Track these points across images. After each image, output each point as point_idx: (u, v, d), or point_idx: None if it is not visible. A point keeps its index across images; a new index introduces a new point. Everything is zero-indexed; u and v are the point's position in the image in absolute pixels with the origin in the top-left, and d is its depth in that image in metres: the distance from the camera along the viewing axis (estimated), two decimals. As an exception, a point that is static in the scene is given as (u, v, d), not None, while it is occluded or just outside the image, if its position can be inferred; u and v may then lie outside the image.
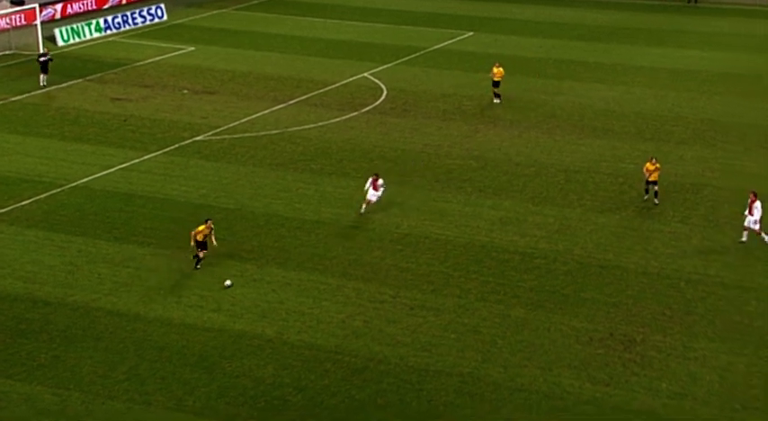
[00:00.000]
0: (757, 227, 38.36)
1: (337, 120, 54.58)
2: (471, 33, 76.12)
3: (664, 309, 33.99)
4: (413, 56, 68.85)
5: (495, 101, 57.37)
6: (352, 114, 55.59)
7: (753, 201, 38.22)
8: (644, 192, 43.30)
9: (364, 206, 40.95)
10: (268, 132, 52.32)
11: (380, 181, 40.90)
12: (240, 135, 51.86)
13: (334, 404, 28.50)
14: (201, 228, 36.10)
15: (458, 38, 74.60)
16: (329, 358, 30.82)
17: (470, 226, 40.71)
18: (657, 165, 42.46)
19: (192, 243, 36.06)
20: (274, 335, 32.12)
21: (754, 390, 29.33)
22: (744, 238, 38.89)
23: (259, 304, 34.06)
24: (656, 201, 42.74)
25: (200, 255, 36.33)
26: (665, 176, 43.46)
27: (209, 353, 31.08)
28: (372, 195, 40.84)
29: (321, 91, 60.14)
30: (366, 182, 41.46)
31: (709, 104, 58.17)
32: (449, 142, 51.06)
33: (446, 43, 72.94)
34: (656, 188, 42.76)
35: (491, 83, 57.46)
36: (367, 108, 56.79)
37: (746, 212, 38.54)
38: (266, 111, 55.95)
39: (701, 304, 34.43)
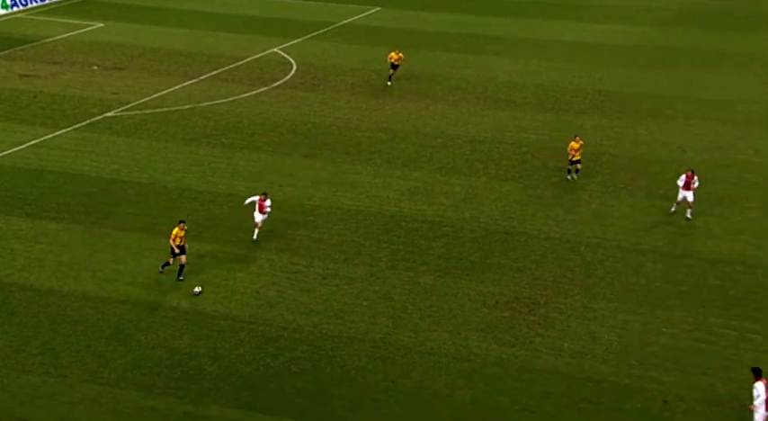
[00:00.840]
0: (692, 199, 39.35)
1: (248, 94, 54.89)
2: (378, 8, 76.82)
3: (565, 272, 35.34)
4: (322, 31, 69.34)
5: (388, 83, 57.12)
6: (262, 89, 55.95)
7: (690, 178, 39.11)
8: (566, 172, 43.40)
9: (256, 231, 37.07)
10: (179, 107, 52.42)
11: (268, 201, 36.83)
12: (151, 110, 51.85)
13: (249, 372, 29.09)
14: (176, 230, 33.77)
15: (365, 13, 75.27)
16: (244, 327, 31.38)
17: (380, 196, 41.58)
18: (581, 142, 42.85)
19: (176, 250, 33.80)
20: (189, 306, 32.55)
21: (650, 347, 30.73)
22: (689, 215, 39.69)
23: (173, 277, 34.34)
24: (575, 176, 43.22)
25: (179, 261, 33.89)
26: (565, 146, 44.10)
27: (125, 325, 31.38)
28: (259, 218, 36.97)
29: (231, 66, 60.32)
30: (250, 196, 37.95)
31: (607, 76, 59.96)
32: (358, 115, 51.82)
33: (354, 18, 73.54)
34: (578, 166, 43.23)
35: (389, 65, 57.32)
36: (277, 83, 57.19)
37: (680, 186, 39.16)
38: (177, 87, 55.97)
39: (599, 267, 35.85)
